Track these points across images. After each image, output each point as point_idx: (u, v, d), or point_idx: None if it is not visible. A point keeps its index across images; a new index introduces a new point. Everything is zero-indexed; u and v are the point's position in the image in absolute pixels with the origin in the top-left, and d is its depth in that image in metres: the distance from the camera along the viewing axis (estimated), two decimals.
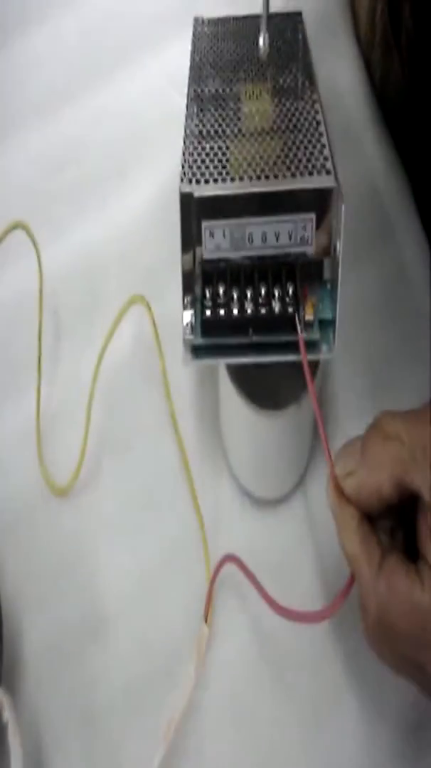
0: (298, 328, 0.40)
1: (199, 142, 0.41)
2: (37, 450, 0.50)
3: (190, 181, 0.39)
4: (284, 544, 0.48)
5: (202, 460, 0.50)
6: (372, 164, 0.58)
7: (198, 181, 0.39)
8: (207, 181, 0.39)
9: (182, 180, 0.39)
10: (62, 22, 0.65)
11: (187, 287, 0.41)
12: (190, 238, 0.40)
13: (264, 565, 0.44)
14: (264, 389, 0.44)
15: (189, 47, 0.49)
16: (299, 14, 0.51)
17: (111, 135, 0.61)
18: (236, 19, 0.51)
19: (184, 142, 0.42)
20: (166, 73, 0.62)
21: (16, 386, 0.52)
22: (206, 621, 0.45)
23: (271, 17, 0.50)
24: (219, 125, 0.43)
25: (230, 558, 0.44)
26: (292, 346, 0.41)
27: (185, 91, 0.45)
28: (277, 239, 0.40)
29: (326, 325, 0.41)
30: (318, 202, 0.39)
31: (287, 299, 0.40)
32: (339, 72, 0.61)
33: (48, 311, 0.54)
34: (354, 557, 0.38)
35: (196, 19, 0.52)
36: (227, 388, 0.45)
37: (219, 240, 0.40)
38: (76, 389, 0.51)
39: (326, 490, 0.40)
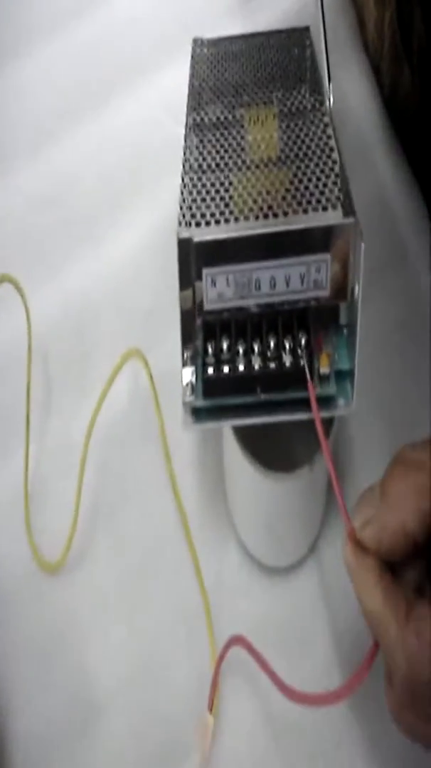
0: (309, 382, 0.37)
1: (199, 178, 0.38)
2: (24, 519, 0.48)
3: (189, 223, 0.36)
4: (297, 616, 0.46)
5: (204, 526, 0.47)
6: (383, 182, 0.56)
7: (198, 223, 0.36)
8: (208, 223, 0.36)
9: (180, 223, 0.36)
10: (51, 52, 0.64)
11: (187, 341, 0.38)
12: (189, 287, 0.37)
13: (275, 640, 0.42)
14: (273, 447, 0.41)
15: (187, 72, 0.47)
16: (307, 29, 0.48)
17: (104, 169, 0.59)
18: (238, 38, 0.49)
19: (182, 179, 0.39)
20: (162, 101, 0.60)
21: (2, 446, 0.50)
22: (210, 710, 0.42)
23: (276, 33, 0.48)
24: (221, 157, 0.40)
25: (237, 640, 0.41)
26: (306, 403, 0.38)
27: (183, 119, 0.43)
28: (288, 284, 0.37)
29: (343, 376, 0.39)
30: (334, 241, 0.36)
31: (299, 351, 0.38)
32: (347, 83, 0.60)
33: (37, 363, 0.52)
34: (375, 614, 0.34)
35: (194, 41, 0.49)
36: (232, 447, 0.42)
37: (223, 288, 0.37)
38: (67, 449, 0.48)
39: (342, 548, 0.36)
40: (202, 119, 0.42)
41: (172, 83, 0.51)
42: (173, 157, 0.41)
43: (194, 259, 0.36)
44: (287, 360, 0.38)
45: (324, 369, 0.38)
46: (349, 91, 0.59)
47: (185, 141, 0.41)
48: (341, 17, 0.62)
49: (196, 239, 0.35)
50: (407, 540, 0.34)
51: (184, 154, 0.40)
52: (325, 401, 0.38)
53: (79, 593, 0.46)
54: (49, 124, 0.61)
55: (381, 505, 0.35)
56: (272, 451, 0.41)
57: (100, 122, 0.61)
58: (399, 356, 0.51)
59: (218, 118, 0.42)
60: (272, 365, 0.38)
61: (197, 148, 0.40)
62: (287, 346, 0.38)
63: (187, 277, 0.36)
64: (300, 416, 0.38)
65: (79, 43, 0.64)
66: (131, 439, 0.50)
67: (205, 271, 0.36)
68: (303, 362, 0.38)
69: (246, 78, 0.45)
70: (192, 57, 0.48)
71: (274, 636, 0.43)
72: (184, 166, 0.39)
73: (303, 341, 0.38)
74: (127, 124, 0.61)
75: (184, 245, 0.36)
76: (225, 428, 0.42)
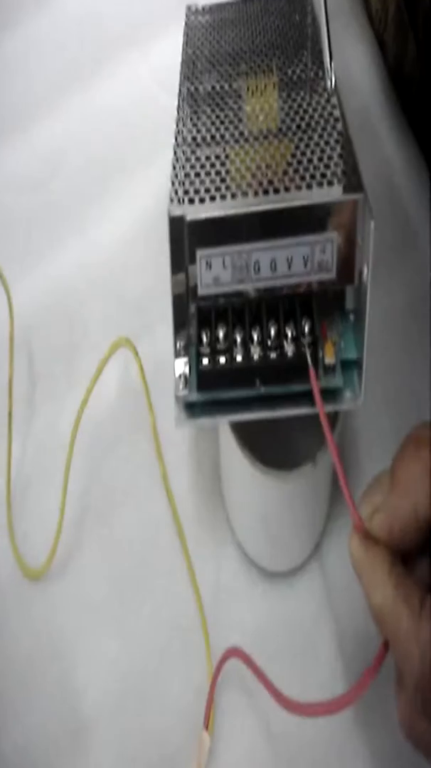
0: (313, 374, 0.35)
1: (193, 151, 0.36)
2: (7, 522, 0.46)
3: (181, 200, 0.34)
4: (299, 623, 0.44)
5: (200, 529, 0.45)
6: (388, 158, 0.55)
7: (191, 200, 0.34)
8: (202, 200, 0.34)
9: (171, 200, 0.34)
10: (36, 22, 0.63)
11: (179, 329, 0.36)
12: (182, 270, 0.34)
13: (276, 650, 0.42)
14: (273, 442, 0.39)
15: (180, 41, 0.45)
16: None
17: (92, 148, 0.58)
18: (235, 4, 0.47)
19: (174, 152, 0.37)
20: (154, 73, 0.59)
21: None
22: (206, 727, 0.40)
23: None
24: (217, 128, 0.37)
25: (233, 652, 0.39)
26: (310, 396, 0.36)
27: (176, 91, 0.41)
28: (290, 266, 0.35)
29: (349, 367, 0.37)
30: (340, 219, 0.34)
31: (302, 339, 0.36)
32: (349, 53, 0.59)
33: (20, 355, 0.50)
34: (386, 608, 0.32)
35: (188, 8, 0.47)
36: (229, 443, 0.40)
37: (219, 271, 0.34)
38: (52, 447, 0.47)
39: (348, 543, 0.34)
40: (196, 89, 0.40)
41: (165, 54, 0.50)
42: (167, 133, 0.39)
43: (187, 240, 0.34)
44: (289, 350, 0.35)
45: (329, 359, 0.36)
46: (352, 61, 0.58)
47: (178, 112, 0.39)
48: None
49: (190, 217, 0.33)
50: (419, 526, 0.32)
51: (177, 125, 0.38)
52: (331, 394, 0.36)
53: (66, 602, 0.44)
54: (32, 100, 0.60)
55: (390, 489, 0.33)
56: (272, 446, 0.39)
57: (87, 97, 0.59)
58: (407, 343, 0.50)
59: (213, 88, 0.40)
60: (273, 355, 0.36)
61: (191, 119, 0.38)
62: (289, 334, 0.36)
63: (180, 259, 0.34)
64: (303, 411, 0.36)
65: (65, 12, 0.63)
66: (120, 436, 0.48)
67: (200, 253, 0.34)
68: (307, 351, 0.35)
69: (243, 46, 0.43)
70: (185, 24, 0.46)
71: (275, 645, 0.42)
72: (176, 139, 0.37)
73: (306, 329, 0.36)
74: (116, 99, 0.59)
75: (176, 224, 0.33)
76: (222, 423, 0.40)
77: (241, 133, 0.37)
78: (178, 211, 0.33)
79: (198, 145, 0.36)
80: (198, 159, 0.35)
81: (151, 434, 0.46)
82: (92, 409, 0.44)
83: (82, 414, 0.44)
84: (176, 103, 0.40)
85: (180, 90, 0.41)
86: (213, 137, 0.37)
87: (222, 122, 0.38)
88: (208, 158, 0.35)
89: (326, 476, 0.42)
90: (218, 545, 0.45)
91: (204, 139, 0.37)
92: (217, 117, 0.38)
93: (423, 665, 0.30)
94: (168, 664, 0.43)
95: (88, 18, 0.62)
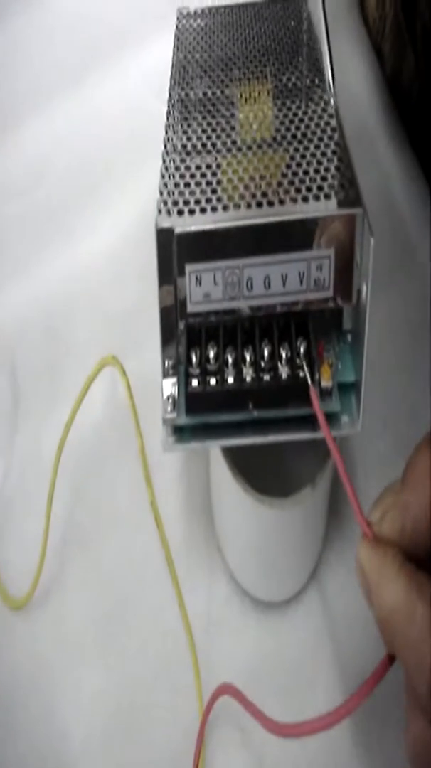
0: (314, 394, 0.34)
1: (182, 160, 0.35)
2: None
3: (170, 212, 0.32)
4: (295, 655, 0.42)
5: (190, 557, 0.44)
6: (386, 172, 0.54)
7: (180, 212, 0.32)
8: (192, 211, 0.32)
9: (159, 211, 0.32)
10: (23, 24, 0.62)
11: (167, 348, 0.35)
12: (170, 285, 0.33)
13: (270, 684, 0.40)
14: (266, 466, 0.38)
15: (171, 45, 0.44)
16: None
17: (79, 154, 0.57)
18: (228, 8, 0.46)
19: (163, 160, 0.35)
20: (143, 76, 0.58)
21: None
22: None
23: (270, 4, 0.46)
24: (208, 137, 0.36)
25: (225, 689, 0.37)
26: (305, 420, 0.34)
27: (166, 96, 0.40)
28: (284, 283, 0.33)
29: (347, 389, 0.35)
30: (337, 234, 0.32)
31: (297, 361, 0.34)
32: (346, 63, 0.58)
33: (2, 372, 0.49)
34: (396, 608, 0.29)
35: (179, 11, 0.46)
36: (220, 468, 0.38)
37: (209, 287, 0.33)
38: (35, 468, 0.46)
39: (356, 551, 0.32)
40: (186, 95, 0.39)
41: (156, 57, 0.49)
42: (157, 140, 0.38)
43: (176, 253, 0.32)
44: (283, 372, 0.34)
45: (325, 382, 0.34)
46: (349, 72, 0.57)
47: (167, 119, 0.38)
48: None
49: (178, 230, 0.32)
50: None
51: (166, 133, 0.37)
52: (327, 419, 0.34)
53: (49, 633, 0.43)
54: (18, 104, 0.59)
55: (401, 487, 0.31)
56: (264, 469, 0.38)
57: (75, 102, 0.58)
58: (405, 361, 0.48)
59: (205, 94, 0.39)
60: (266, 378, 0.34)
61: (181, 126, 0.37)
62: (284, 355, 0.34)
63: (168, 273, 0.33)
64: (298, 436, 0.35)
65: (53, 13, 0.62)
66: (106, 459, 0.47)
67: (189, 268, 0.32)
68: (302, 374, 0.34)
69: (236, 51, 0.42)
70: (176, 28, 0.45)
71: (269, 680, 0.41)
72: (165, 147, 0.36)
73: (301, 350, 0.34)
74: (105, 104, 0.58)
75: (164, 237, 0.32)
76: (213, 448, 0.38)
77: (234, 142, 0.35)
78: (166, 223, 0.32)
79: (188, 153, 0.35)
80: (188, 168, 0.34)
81: (138, 456, 0.44)
82: (77, 430, 0.43)
83: (67, 435, 0.42)
84: (166, 109, 0.39)
85: (170, 96, 0.40)
86: (204, 146, 0.35)
87: (214, 130, 0.36)
88: (198, 168, 0.34)
89: (324, 500, 0.40)
90: (209, 574, 0.44)
91: (194, 147, 0.35)
92: (209, 125, 0.37)
93: None
94: (156, 700, 0.41)
95: (77, 20, 0.62)
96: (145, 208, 0.49)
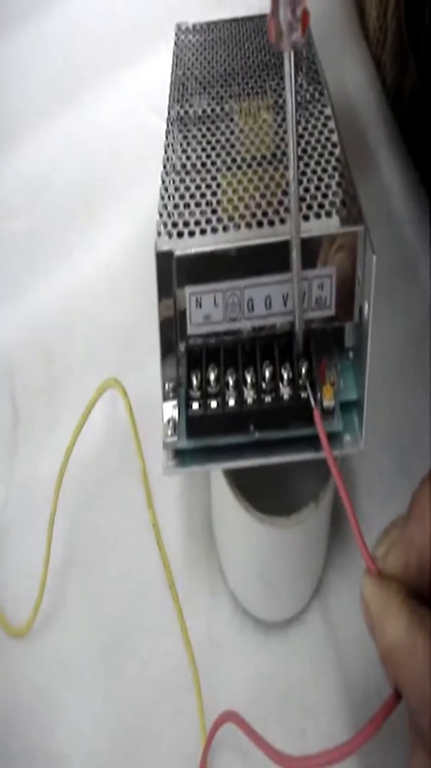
0: (318, 415, 0.33)
1: (182, 180, 0.34)
2: None
3: (170, 234, 0.32)
4: (298, 677, 0.42)
5: (191, 580, 0.43)
6: (387, 187, 0.54)
7: (180, 233, 0.32)
8: (192, 233, 0.32)
9: (159, 233, 0.32)
10: (21, 40, 0.62)
11: (168, 371, 0.34)
12: (170, 307, 0.32)
13: (273, 709, 0.40)
14: (268, 485, 0.37)
15: (170, 61, 0.44)
16: None
17: (77, 171, 0.56)
18: (226, 23, 0.45)
19: (163, 180, 0.35)
20: (142, 93, 0.58)
21: None
22: None
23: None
24: (208, 155, 0.35)
25: (228, 716, 0.36)
26: (307, 441, 0.34)
27: (166, 114, 0.39)
28: (286, 303, 0.32)
29: (348, 408, 0.35)
30: (339, 252, 0.32)
31: (299, 381, 0.33)
32: (346, 75, 0.57)
33: (1, 392, 0.49)
34: (398, 643, 0.29)
35: (178, 26, 0.45)
36: (221, 488, 0.38)
37: (209, 309, 0.32)
38: (35, 491, 0.45)
39: (360, 587, 0.31)
40: (186, 112, 0.38)
41: (155, 73, 0.49)
42: (155, 157, 0.37)
43: (176, 276, 0.31)
44: (285, 392, 0.33)
45: (327, 402, 0.33)
46: (349, 84, 0.57)
47: (167, 137, 0.37)
48: (339, 4, 0.60)
49: (178, 252, 0.31)
50: None
51: (166, 152, 0.36)
52: (329, 438, 0.33)
53: (48, 661, 0.42)
54: (15, 120, 0.59)
55: (406, 521, 0.31)
56: (266, 486, 0.37)
57: (73, 118, 0.58)
58: (406, 376, 0.48)
59: (204, 111, 0.38)
60: (268, 399, 0.33)
61: (180, 145, 0.36)
62: (285, 376, 0.33)
63: (168, 295, 0.32)
64: (301, 457, 0.34)
65: (51, 28, 0.62)
66: (107, 480, 0.46)
67: (189, 290, 0.32)
68: (304, 395, 0.33)
69: (235, 66, 0.42)
70: (175, 44, 0.45)
71: (271, 702, 0.40)
72: (164, 166, 0.35)
73: (303, 370, 0.33)
74: (103, 120, 0.58)
75: (163, 259, 0.31)
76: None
77: (233, 160, 0.35)
78: (165, 246, 0.31)
79: (188, 172, 0.35)
80: (188, 189, 0.33)
81: (140, 479, 0.43)
82: (77, 452, 0.42)
83: (69, 458, 0.41)
84: (165, 127, 0.38)
85: (169, 113, 0.39)
86: (203, 164, 0.35)
87: (213, 148, 0.36)
88: (198, 187, 0.33)
89: (326, 518, 0.39)
90: (210, 596, 0.43)
91: (194, 166, 0.35)
92: (208, 143, 0.36)
93: None
94: (157, 727, 0.40)
95: (74, 36, 0.61)
96: (142, 226, 0.50)
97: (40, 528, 0.42)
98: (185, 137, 0.37)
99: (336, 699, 0.40)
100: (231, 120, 0.37)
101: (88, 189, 0.55)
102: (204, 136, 0.36)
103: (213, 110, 0.38)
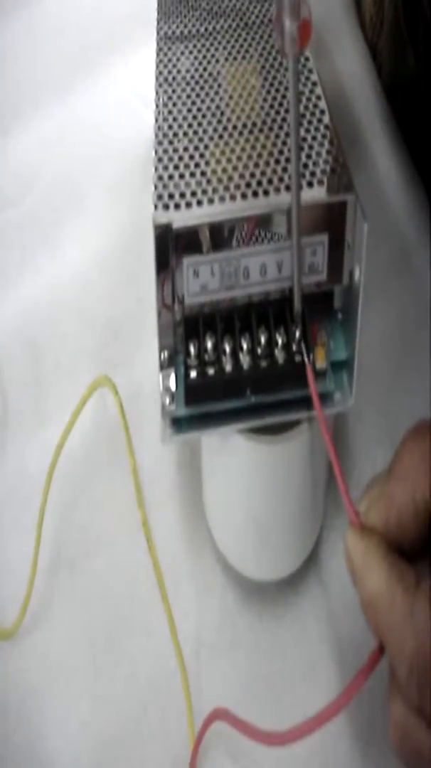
0: (311, 377, 0.34)
1: (175, 150, 0.34)
2: None
3: (166, 206, 0.32)
4: (289, 677, 0.40)
5: (181, 578, 0.42)
6: (383, 175, 0.53)
7: (177, 205, 0.32)
8: (189, 204, 0.32)
9: (156, 206, 0.32)
10: (11, 29, 0.61)
11: (165, 339, 0.34)
12: (167, 279, 0.33)
13: (264, 707, 0.38)
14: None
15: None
16: None
17: (68, 162, 0.55)
18: None
19: (155, 151, 0.34)
20: (134, 84, 0.57)
21: None
22: None
23: None
24: (199, 123, 0.35)
25: (217, 714, 0.36)
26: (300, 401, 0.35)
27: (154, 104, 0.38)
28: (280, 270, 0.33)
29: (339, 368, 0.36)
30: (331, 219, 0.32)
31: (293, 346, 0.34)
32: (341, 64, 0.56)
33: None
34: (379, 594, 0.30)
35: None
36: (213, 435, 0.37)
37: (206, 279, 0.33)
38: (24, 489, 0.44)
39: (344, 539, 0.32)
40: (173, 77, 0.38)
41: (146, 65, 0.46)
42: (146, 148, 0.37)
43: (174, 248, 0.32)
44: (280, 357, 0.34)
45: (320, 364, 0.34)
46: (344, 72, 0.56)
47: (156, 103, 0.37)
48: None
49: (177, 224, 0.31)
50: (418, 515, 0.31)
51: (156, 119, 0.36)
52: (321, 398, 0.35)
53: (36, 663, 0.41)
54: (4, 112, 0.57)
55: (388, 477, 0.32)
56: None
57: (64, 110, 0.57)
58: (404, 368, 0.47)
59: (191, 74, 0.38)
60: (263, 364, 0.34)
61: (168, 109, 0.36)
62: (279, 341, 0.34)
63: (165, 268, 0.32)
64: (293, 416, 0.35)
65: (42, 19, 0.61)
66: (96, 478, 0.45)
67: (187, 261, 0.32)
68: (298, 358, 0.34)
69: (223, 24, 0.41)
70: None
71: (262, 703, 0.39)
72: (156, 136, 0.35)
73: (297, 334, 0.34)
74: (93, 112, 0.57)
75: (162, 232, 0.31)
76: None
77: (225, 128, 0.35)
78: (163, 219, 0.31)
79: (179, 140, 0.35)
80: (181, 158, 0.34)
81: (130, 476, 0.43)
82: (66, 448, 0.41)
83: (58, 456, 0.41)
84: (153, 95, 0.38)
85: (156, 74, 0.39)
86: (196, 132, 0.35)
87: (204, 116, 0.36)
88: (191, 157, 0.34)
89: (321, 450, 0.38)
90: (201, 596, 0.42)
91: (186, 134, 0.35)
92: (198, 110, 0.36)
93: (418, 643, 0.28)
94: (146, 726, 0.39)
95: (65, 26, 0.60)
96: (132, 220, 0.51)
97: (29, 526, 0.42)
98: (174, 103, 0.36)
99: (331, 697, 0.39)
100: (219, 85, 0.37)
101: (79, 181, 0.55)
102: (194, 103, 0.36)
103: (200, 74, 0.38)
